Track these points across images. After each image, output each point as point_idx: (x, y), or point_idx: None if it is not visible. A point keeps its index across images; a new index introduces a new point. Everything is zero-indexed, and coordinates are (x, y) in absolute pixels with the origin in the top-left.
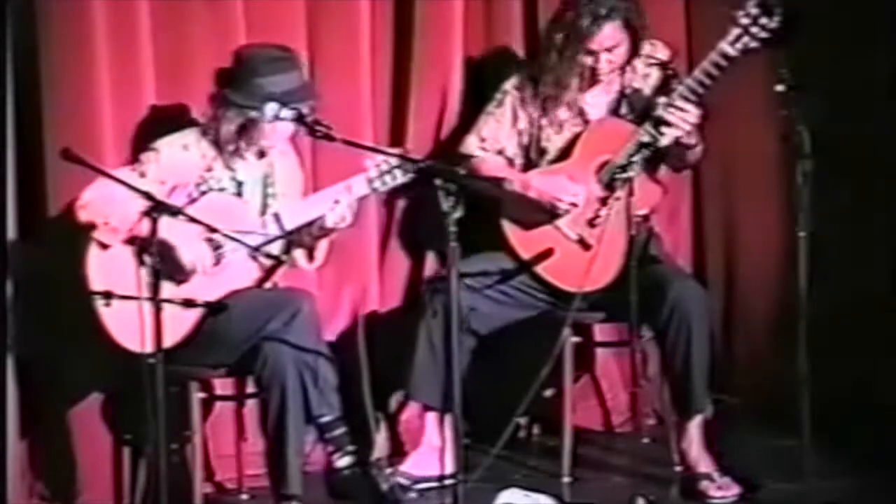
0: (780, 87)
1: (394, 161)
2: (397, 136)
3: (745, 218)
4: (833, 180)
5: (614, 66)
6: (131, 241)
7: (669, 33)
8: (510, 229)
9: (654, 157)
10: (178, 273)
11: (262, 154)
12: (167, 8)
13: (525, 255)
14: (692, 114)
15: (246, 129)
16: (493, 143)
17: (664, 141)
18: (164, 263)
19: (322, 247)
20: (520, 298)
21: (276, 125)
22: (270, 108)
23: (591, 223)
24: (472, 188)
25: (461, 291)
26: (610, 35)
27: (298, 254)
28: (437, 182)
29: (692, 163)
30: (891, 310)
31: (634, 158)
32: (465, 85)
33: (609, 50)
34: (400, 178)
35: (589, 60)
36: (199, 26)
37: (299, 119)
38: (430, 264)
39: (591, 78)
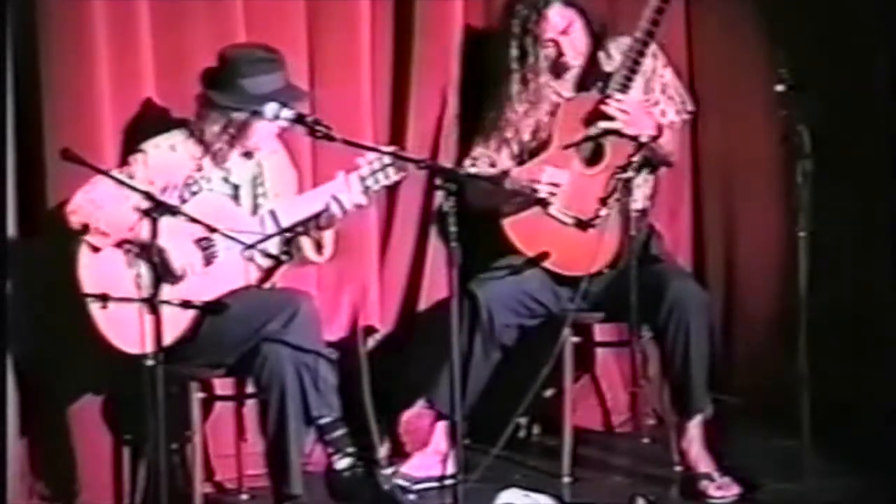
0: (780, 87)
1: (386, 159)
2: (397, 135)
3: (745, 218)
4: (833, 180)
5: (579, 50)
6: (122, 244)
7: (669, 33)
8: (512, 232)
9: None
10: (168, 276)
11: (248, 155)
12: (167, 8)
13: (529, 252)
14: (629, 103)
15: (228, 130)
16: (485, 159)
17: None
18: (152, 260)
19: (329, 237)
20: (535, 310)
21: (261, 125)
22: (271, 108)
23: (591, 223)
24: (471, 201)
25: (498, 308)
26: (557, 17)
27: (307, 247)
28: (437, 182)
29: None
30: (891, 310)
31: (634, 159)
32: (464, 85)
33: (565, 32)
34: (393, 176)
35: (552, 51)
36: (199, 26)
37: (299, 119)
38: (431, 265)
39: (562, 65)
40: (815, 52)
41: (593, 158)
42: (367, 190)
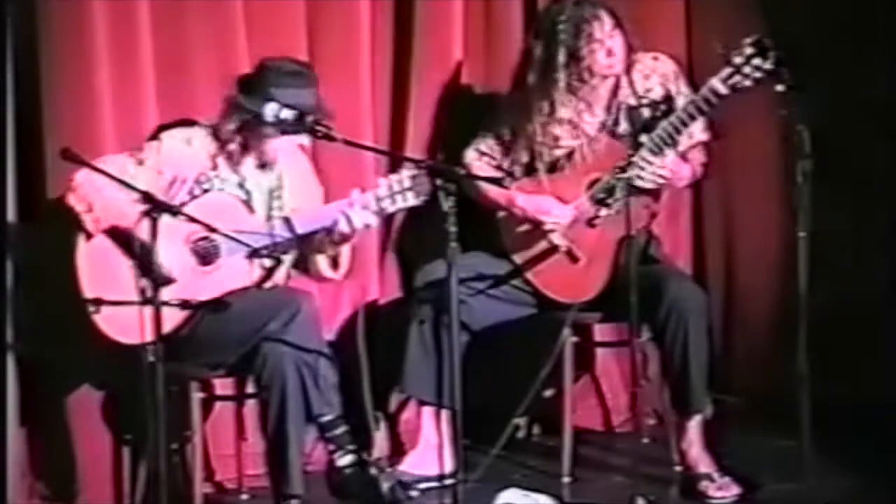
0: (780, 87)
1: (406, 183)
2: (397, 136)
3: (745, 218)
4: (833, 180)
5: (615, 63)
6: (112, 232)
7: (669, 34)
8: (504, 233)
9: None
10: (156, 278)
11: (265, 166)
12: (167, 8)
13: (517, 258)
14: (663, 168)
15: (243, 132)
16: (491, 159)
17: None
18: (144, 267)
19: (345, 254)
20: (511, 294)
21: (278, 140)
22: (270, 108)
23: (591, 223)
24: (467, 196)
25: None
26: (606, 26)
27: (322, 263)
28: (438, 182)
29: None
30: (891, 310)
31: (634, 159)
32: (465, 85)
33: (610, 45)
34: (411, 200)
35: (585, 51)
36: (199, 26)
37: (300, 119)
38: None
39: (591, 75)
40: (815, 52)
41: (602, 201)
42: (381, 210)
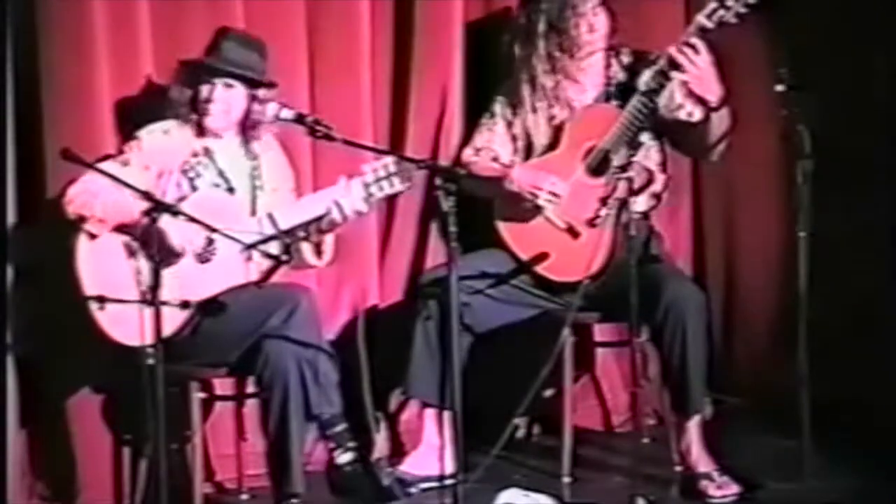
0: (780, 87)
1: (392, 168)
2: (397, 136)
3: (745, 218)
4: (833, 180)
5: (596, 39)
6: (119, 229)
7: (669, 33)
8: (503, 225)
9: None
10: (168, 255)
11: (247, 142)
12: (167, 7)
13: (520, 251)
14: (702, 60)
15: (194, 83)
16: (488, 151)
17: (683, 110)
18: (152, 245)
19: (329, 242)
20: (514, 295)
21: (220, 97)
22: (271, 107)
23: (592, 223)
24: (466, 189)
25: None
26: (589, 2)
27: (307, 251)
28: (437, 182)
29: (718, 137)
30: (891, 310)
31: (637, 131)
32: (465, 84)
33: (592, 21)
34: (397, 185)
35: (571, 24)
36: (199, 26)
37: (299, 118)
38: (431, 264)
39: (576, 48)
40: (815, 52)
41: (598, 169)
42: (369, 197)
